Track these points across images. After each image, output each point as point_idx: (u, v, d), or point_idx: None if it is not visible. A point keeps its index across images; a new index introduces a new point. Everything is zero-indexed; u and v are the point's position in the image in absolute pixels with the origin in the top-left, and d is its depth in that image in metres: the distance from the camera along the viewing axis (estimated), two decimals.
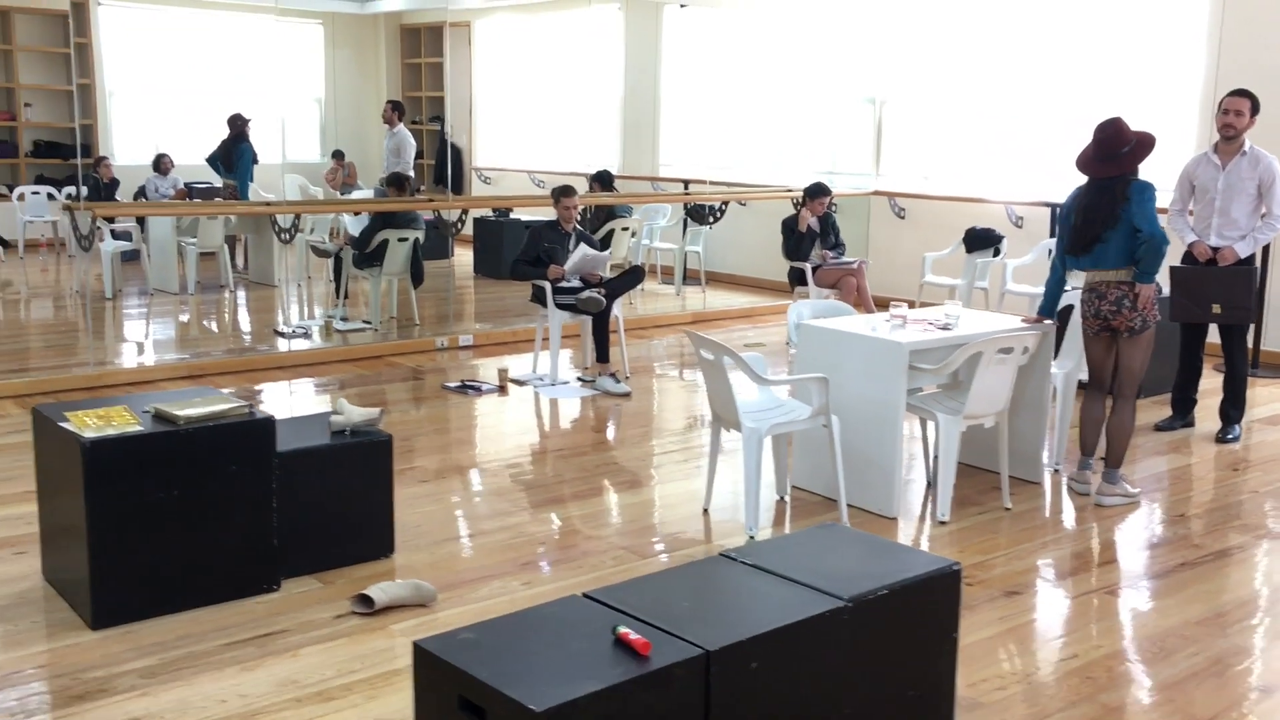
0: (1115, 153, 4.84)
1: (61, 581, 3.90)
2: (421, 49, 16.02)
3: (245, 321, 9.67)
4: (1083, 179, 5.02)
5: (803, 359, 5.04)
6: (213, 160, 11.01)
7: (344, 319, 8.96)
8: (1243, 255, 5.84)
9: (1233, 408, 6.06)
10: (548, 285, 7.09)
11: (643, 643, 2.51)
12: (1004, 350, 4.67)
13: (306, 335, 8.53)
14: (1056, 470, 5.42)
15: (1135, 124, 4.95)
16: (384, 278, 8.79)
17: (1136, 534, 4.74)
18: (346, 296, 9.27)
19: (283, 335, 8.59)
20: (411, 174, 10.23)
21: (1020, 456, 5.16)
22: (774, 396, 4.94)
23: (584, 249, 7.16)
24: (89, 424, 3.64)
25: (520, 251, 7.31)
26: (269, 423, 3.89)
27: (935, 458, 5.32)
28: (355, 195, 12.75)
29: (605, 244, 8.80)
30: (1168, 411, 6.33)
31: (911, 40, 10.24)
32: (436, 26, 15.67)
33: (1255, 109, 5.82)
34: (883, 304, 8.01)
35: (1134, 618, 3.92)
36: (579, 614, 2.72)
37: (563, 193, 7.27)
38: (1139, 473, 5.46)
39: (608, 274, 7.35)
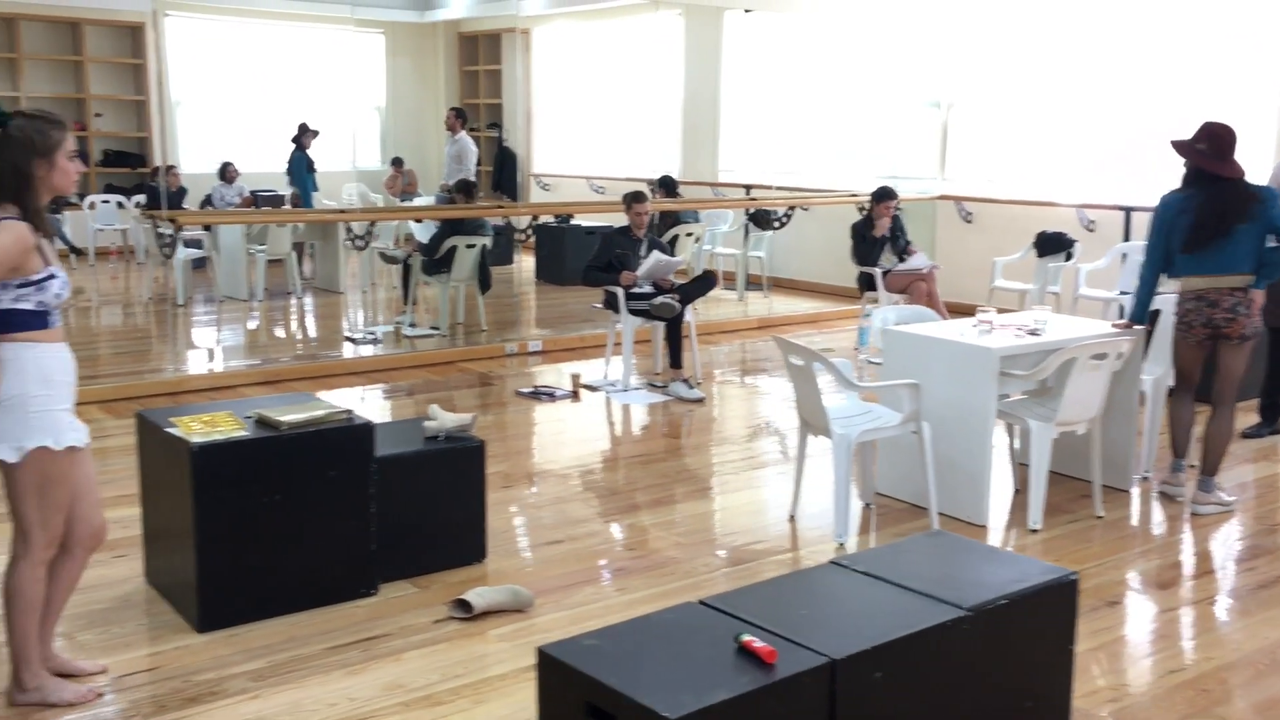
0: (1228, 153, 4.76)
1: (165, 584, 3.95)
2: (480, 56, 16.13)
3: (314, 328, 9.77)
4: (1172, 183, 4.95)
5: (889, 365, 5.00)
6: (288, 170, 11.20)
7: (412, 324, 9.02)
8: None
9: None
10: (620, 291, 7.10)
11: (769, 651, 2.50)
12: (1098, 356, 4.60)
13: (376, 341, 8.60)
14: (1146, 477, 5.34)
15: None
16: (452, 284, 8.85)
17: (1233, 544, 4.66)
18: (414, 302, 9.33)
19: (353, 341, 8.67)
20: (467, 180, 10.30)
21: (1109, 464, 5.08)
22: (861, 403, 4.90)
23: (656, 254, 7.17)
24: (195, 429, 3.69)
25: (592, 257, 7.33)
26: (368, 428, 3.92)
27: (1020, 464, 5.28)
28: (416, 202, 12.85)
29: (671, 250, 8.80)
30: (1252, 418, 6.22)
31: (978, 42, 10.15)
32: (495, 34, 15.77)
33: None
34: (952, 309, 7.96)
35: (1239, 629, 3.85)
36: (698, 621, 2.71)
37: (635, 198, 7.28)
38: (1228, 480, 5.36)
39: (678, 280, 7.35)
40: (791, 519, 4.85)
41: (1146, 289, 5.03)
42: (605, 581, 4.19)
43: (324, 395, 6.82)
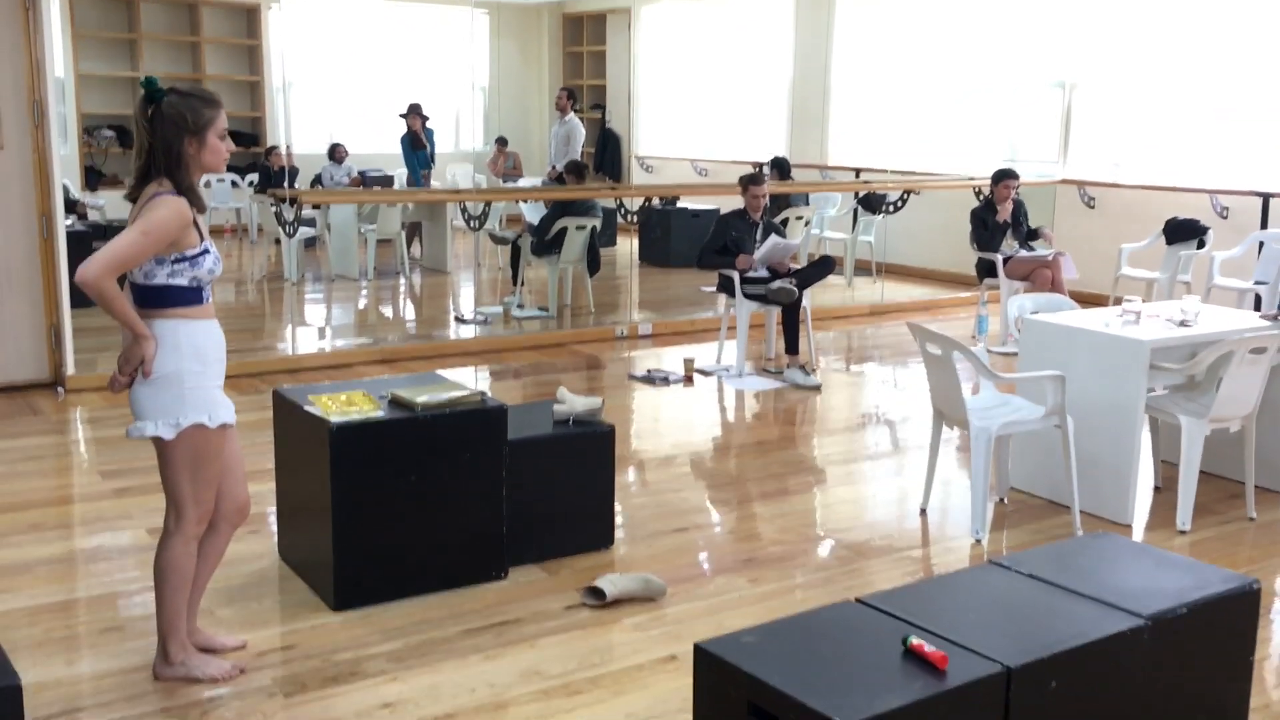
0: None
1: (299, 562, 3.96)
2: (584, 37, 16.08)
3: (424, 307, 9.83)
4: None
5: (1026, 355, 4.81)
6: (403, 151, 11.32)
7: (520, 306, 9.01)
8: None
9: None
10: (736, 275, 6.99)
11: (940, 656, 2.38)
12: (1257, 350, 4.37)
13: (485, 322, 8.61)
14: None
15: None
16: (561, 265, 8.82)
17: None
18: (523, 283, 9.33)
19: (464, 321, 8.69)
20: (577, 161, 10.25)
21: (1262, 463, 4.83)
22: (998, 394, 4.73)
23: (774, 238, 7.04)
24: (333, 408, 3.68)
25: (708, 240, 7.23)
26: (501, 411, 3.88)
27: (1164, 461, 5.06)
28: (520, 184, 12.86)
29: (783, 233, 8.65)
30: None
31: (1103, 20, 9.77)
32: (600, 14, 15.70)
33: None
34: (1075, 298, 7.68)
35: None
36: (858, 620, 2.61)
37: (752, 181, 7.15)
38: None
39: (793, 265, 7.21)
40: (923, 512, 4.71)
41: None
42: (735, 573, 4.09)
43: (455, 374, 6.90)
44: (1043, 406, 4.46)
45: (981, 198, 8.59)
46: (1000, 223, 8.10)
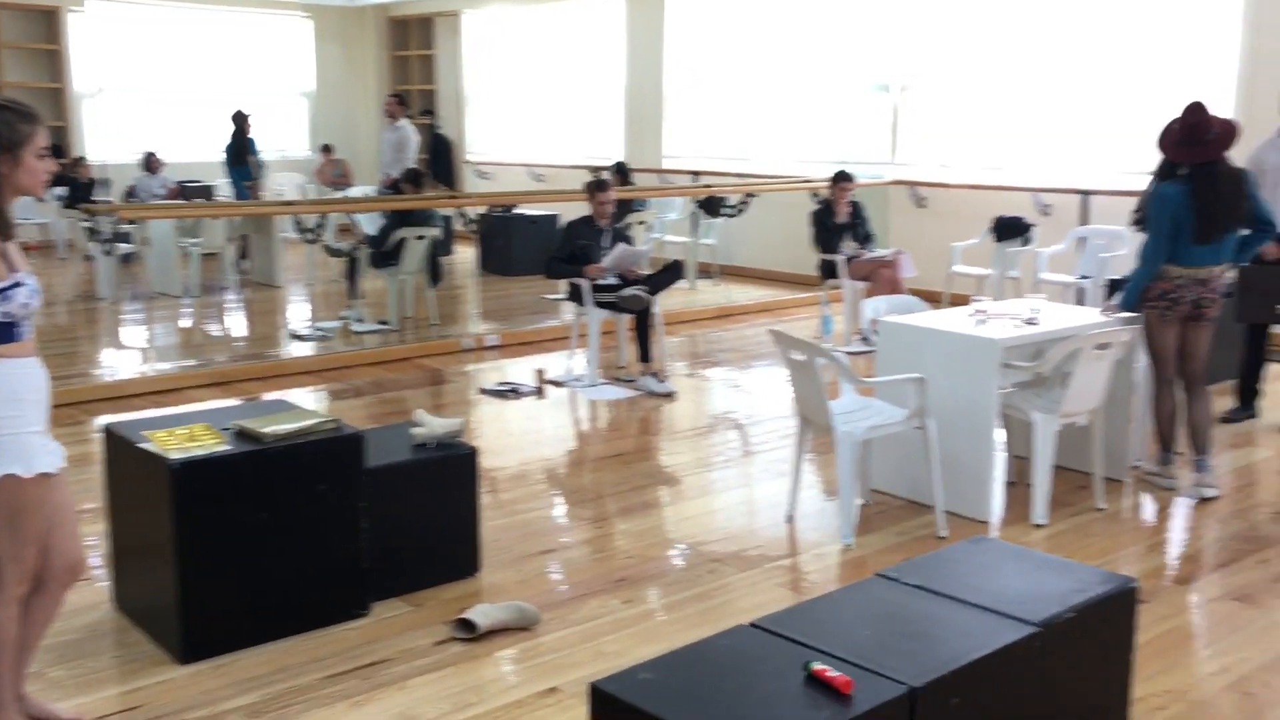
0: (1202, 138, 4.69)
1: (139, 611, 3.65)
2: (411, 41, 15.71)
3: (255, 324, 9.37)
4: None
5: (884, 357, 4.85)
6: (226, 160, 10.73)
7: (360, 320, 8.68)
8: None
9: None
10: (585, 283, 6.87)
11: (845, 680, 2.31)
12: (1102, 346, 4.50)
13: (325, 337, 8.25)
14: (1137, 466, 5.27)
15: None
16: (401, 277, 8.53)
17: (1239, 534, 4.59)
18: (362, 297, 8.99)
19: (300, 338, 8.31)
20: (416, 169, 9.96)
21: (1105, 454, 4.98)
22: (859, 398, 4.75)
23: (623, 245, 6.95)
24: (172, 444, 3.39)
25: (555, 249, 7.09)
26: (357, 438, 3.66)
27: (1016, 457, 5.18)
28: (352, 193, 12.45)
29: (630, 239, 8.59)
30: (1226, 403, 6.21)
31: (927, 24, 10.06)
32: (426, 18, 15.36)
33: None
34: (915, 296, 7.85)
35: (1265, 625, 3.76)
36: (756, 647, 2.52)
37: (598, 187, 7.05)
38: (1219, 467, 5.31)
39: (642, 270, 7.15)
40: (790, 520, 4.69)
41: (1146, 276, 4.93)
42: (609, 593, 3.97)
43: (274, 396, 6.54)
44: (903, 408, 4.49)
45: (819, 200, 8.71)
46: (839, 224, 8.22)
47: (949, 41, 9.95)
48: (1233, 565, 4.25)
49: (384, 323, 8.58)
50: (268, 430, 3.53)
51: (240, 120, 11.00)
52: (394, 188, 9.67)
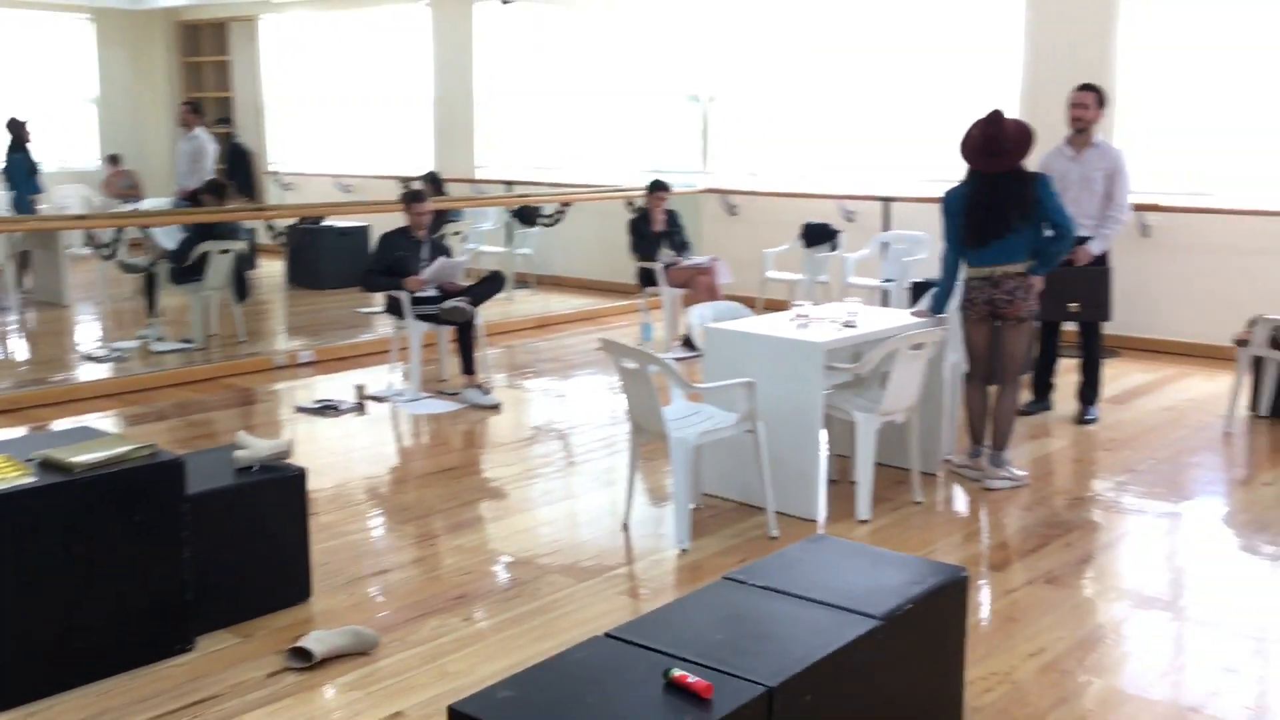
0: (1001, 148, 4.95)
1: None
2: (203, 47, 15.06)
3: (42, 347, 8.79)
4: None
5: (711, 363, 4.93)
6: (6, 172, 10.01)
7: (160, 339, 8.26)
8: (1095, 253, 6.11)
9: (1090, 390, 6.35)
10: (404, 296, 6.73)
11: (705, 685, 2.33)
12: (917, 346, 4.70)
13: (122, 358, 7.81)
14: (948, 459, 5.52)
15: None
16: (205, 293, 8.16)
17: (1045, 520, 4.86)
18: (161, 314, 8.55)
19: (95, 360, 7.84)
20: (217, 180, 9.55)
21: (920, 449, 5.21)
22: (689, 404, 4.81)
23: (442, 258, 6.85)
24: None
25: (371, 262, 6.92)
26: (176, 465, 3.47)
27: (839, 456, 5.35)
28: (144, 205, 11.82)
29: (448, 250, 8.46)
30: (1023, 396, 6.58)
31: (734, 37, 10.31)
32: (219, 23, 14.76)
33: (1101, 102, 6.11)
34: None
35: (1077, 605, 4.00)
36: (614, 657, 2.52)
37: (414, 198, 6.92)
38: (1018, 458, 5.63)
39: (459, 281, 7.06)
40: (625, 527, 4.70)
41: (949, 278, 5.20)
42: (449, 612, 3.89)
43: (68, 422, 6.15)
44: (732, 413, 4.58)
45: (636, 209, 8.80)
46: (656, 232, 8.33)
47: (755, 52, 10.22)
48: (1041, 550, 4.50)
49: (187, 341, 8.19)
50: (77, 460, 3.30)
51: (17, 128, 10.28)
52: (192, 199, 9.25)
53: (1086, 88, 6.14)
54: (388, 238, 6.91)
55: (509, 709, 2.29)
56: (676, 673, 2.37)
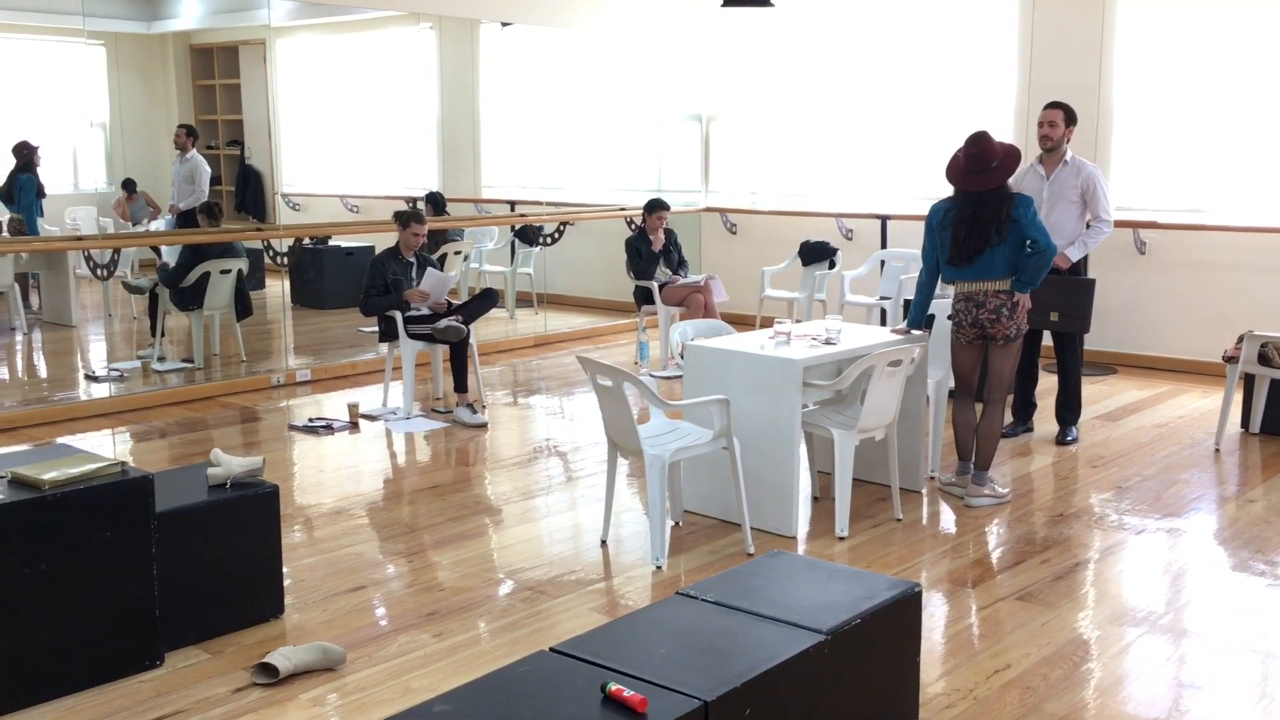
0: (985, 167, 4.96)
1: None
2: (215, 70, 15.22)
3: (48, 366, 8.89)
4: (945, 191, 5.15)
5: (690, 380, 4.95)
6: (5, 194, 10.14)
7: (161, 358, 8.34)
8: (1074, 259, 6.09)
9: (1068, 411, 6.29)
10: (399, 316, 6.78)
11: (639, 699, 2.35)
12: (893, 363, 4.71)
13: (123, 378, 7.89)
14: (932, 477, 5.52)
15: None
16: (206, 313, 8.24)
17: (1023, 538, 4.86)
18: (163, 334, 8.64)
19: (97, 379, 7.92)
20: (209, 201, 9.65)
21: (900, 466, 5.21)
22: (667, 420, 4.83)
23: (432, 274, 6.90)
24: None
25: (366, 285, 6.96)
26: (146, 481, 3.51)
27: (820, 472, 5.36)
28: (156, 225, 11.95)
29: (441, 268, 8.52)
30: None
31: (734, 57, 10.37)
32: (230, 46, 14.91)
33: (1070, 119, 6.08)
34: (728, 320, 8.05)
35: (1048, 622, 3.99)
36: (554, 671, 2.54)
37: (412, 218, 6.97)
38: (1001, 476, 5.61)
39: (452, 300, 7.11)
40: (603, 544, 4.72)
41: (923, 294, 5.21)
42: (419, 628, 3.91)
43: (70, 441, 6.22)
44: (710, 430, 4.59)
45: (635, 227, 8.84)
46: (654, 251, 8.36)
47: (755, 73, 10.27)
48: (1017, 566, 4.50)
49: (188, 360, 8.27)
50: (47, 476, 3.35)
51: (29, 152, 10.43)
52: (185, 220, 9.36)
53: (1054, 105, 6.10)
54: (379, 260, 6.96)
55: None
56: (613, 686, 2.38)
